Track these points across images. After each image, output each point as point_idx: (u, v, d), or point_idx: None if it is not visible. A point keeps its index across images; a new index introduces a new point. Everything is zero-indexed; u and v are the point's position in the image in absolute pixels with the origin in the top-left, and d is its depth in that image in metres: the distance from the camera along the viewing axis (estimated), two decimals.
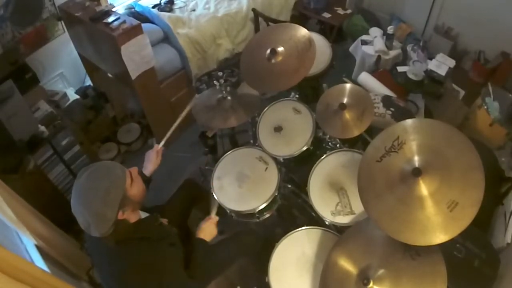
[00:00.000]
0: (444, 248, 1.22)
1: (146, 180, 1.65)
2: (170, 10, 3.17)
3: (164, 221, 1.52)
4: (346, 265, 1.40)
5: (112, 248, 1.28)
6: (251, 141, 2.29)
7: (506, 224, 1.75)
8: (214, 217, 1.74)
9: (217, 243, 1.77)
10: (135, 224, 1.33)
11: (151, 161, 1.72)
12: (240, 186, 1.94)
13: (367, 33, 3.29)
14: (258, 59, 1.96)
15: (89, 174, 1.24)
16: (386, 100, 2.29)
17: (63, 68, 3.09)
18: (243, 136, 2.51)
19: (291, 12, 3.68)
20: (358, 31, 3.46)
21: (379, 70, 2.97)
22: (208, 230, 1.66)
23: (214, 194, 1.92)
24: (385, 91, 2.53)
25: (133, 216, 1.34)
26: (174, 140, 3.11)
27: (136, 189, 1.33)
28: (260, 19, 3.28)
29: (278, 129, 2.06)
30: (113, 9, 2.73)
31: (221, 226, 2.22)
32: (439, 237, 1.14)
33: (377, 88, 2.58)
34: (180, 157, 2.86)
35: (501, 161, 2.15)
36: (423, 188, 1.21)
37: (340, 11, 3.64)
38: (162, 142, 1.80)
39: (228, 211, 1.90)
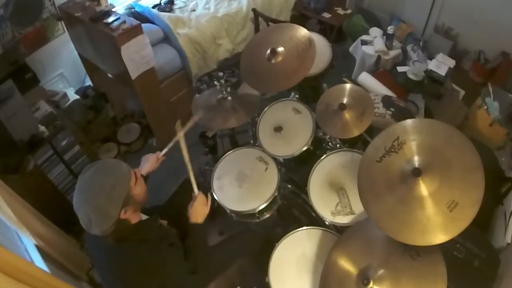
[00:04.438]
0: (444, 248, 1.22)
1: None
2: (170, 10, 3.17)
3: (164, 222, 1.53)
4: (346, 265, 1.40)
5: (112, 248, 1.28)
6: (251, 141, 2.29)
7: (506, 224, 1.75)
8: (198, 194, 1.58)
9: (218, 243, 1.77)
10: (135, 225, 1.34)
11: (149, 162, 1.69)
12: (240, 186, 1.94)
13: (367, 33, 3.29)
14: (258, 59, 1.96)
15: (95, 170, 1.24)
16: (386, 100, 2.29)
17: (63, 68, 3.09)
18: (243, 136, 2.51)
19: (291, 12, 3.69)
20: (358, 31, 3.45)
21: (379, 70, 2.97)
22: (197, 211, 1.54)
23: (214, 194, 1.92)
24: (385, 91, 2.53)
25: (134, 217, 1.34)
26: (175, 143, 3.11)
27: (139, 189, 1.33)
28: (260, 19, 3.28)
29: (278, 129, 2.06)
30: (113, 9, 2.73)
31: (221, 226, 2.23)
32: (439, 237, 1.14)
33: (377, 88, 2.58)
34: (180, 157, 2.86)
35: (501, 161, 2.15)
36: (423, 188, 1.21)
37: (340, 11, 3.65)
38: (164, 151, 1.75)
39: (228, 211, 1.90)
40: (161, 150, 1.77)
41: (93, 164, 1.27)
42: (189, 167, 1.63)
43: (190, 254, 1.45)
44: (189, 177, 1.62)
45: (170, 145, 1.78)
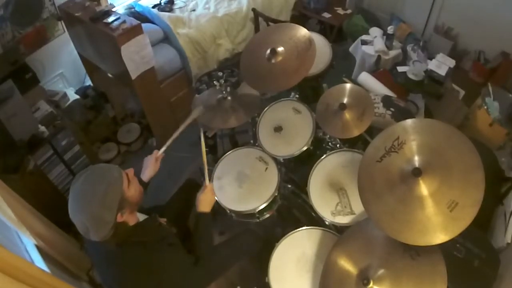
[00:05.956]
0: (444, 248, 1.22)
1: (143, 185, 1.64)
2: (170, 10, 3.17)
3: (163, 220, 1.52)
4: (346, 265, 1.40)
5: (111, 251, 1.28)
6: (251, 141, 2.29)
7: (506, 224, 1.75)
8: (209, 185, 1.69)
9: (218, 244, 1.77)
10: (134, 227, 1.33)
11: (149, 167, 1.69)
12: (240, 186, 1.94)
13: (367, 33, 3.29)
14: (258, 59, 1.96)
15: (85, 178, 1.23)
16: (386, 100, 2.29)
17: (63, 68, 3.09)
18: (243, 136, 2.51)
19: (291, 12, 3.69)
20: (358, 31, 3.46)
21: (379, 70, 2.97)
22: (207, 200, 1.64)
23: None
24: (385, 91, 2.52)
25: (131, 218, 1.34)
26: (174, 140, 3.10)
27: (133, 190, 1.32)
28: (260, 19, 3.28)
29: (278, 129, 2.05)
30: (113, 9, 2.73)
31: (221, 226, 2.23)
32: (439, 237, 1.14)
33: (377, 88, 2.58)
34: (180, 157, 2.86)
35: (501, 161, 2.14)
36: (423, 188, 1.21)
37: (340, 11, 3.65)
38: (163, 149, 1.75)
39: (228, 211, 1.90)
40: (159, 149, 1.76)
41: (82, 173, 1.26)
42: (205, 159, 1.76)
43: (195, 245, 1.50)
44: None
45: (169, 143, 1.78)
